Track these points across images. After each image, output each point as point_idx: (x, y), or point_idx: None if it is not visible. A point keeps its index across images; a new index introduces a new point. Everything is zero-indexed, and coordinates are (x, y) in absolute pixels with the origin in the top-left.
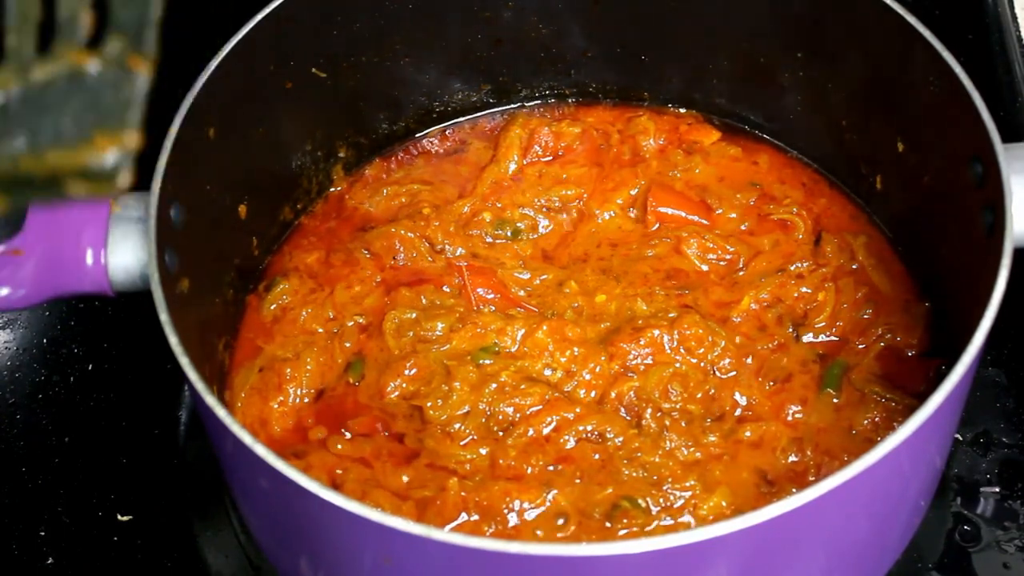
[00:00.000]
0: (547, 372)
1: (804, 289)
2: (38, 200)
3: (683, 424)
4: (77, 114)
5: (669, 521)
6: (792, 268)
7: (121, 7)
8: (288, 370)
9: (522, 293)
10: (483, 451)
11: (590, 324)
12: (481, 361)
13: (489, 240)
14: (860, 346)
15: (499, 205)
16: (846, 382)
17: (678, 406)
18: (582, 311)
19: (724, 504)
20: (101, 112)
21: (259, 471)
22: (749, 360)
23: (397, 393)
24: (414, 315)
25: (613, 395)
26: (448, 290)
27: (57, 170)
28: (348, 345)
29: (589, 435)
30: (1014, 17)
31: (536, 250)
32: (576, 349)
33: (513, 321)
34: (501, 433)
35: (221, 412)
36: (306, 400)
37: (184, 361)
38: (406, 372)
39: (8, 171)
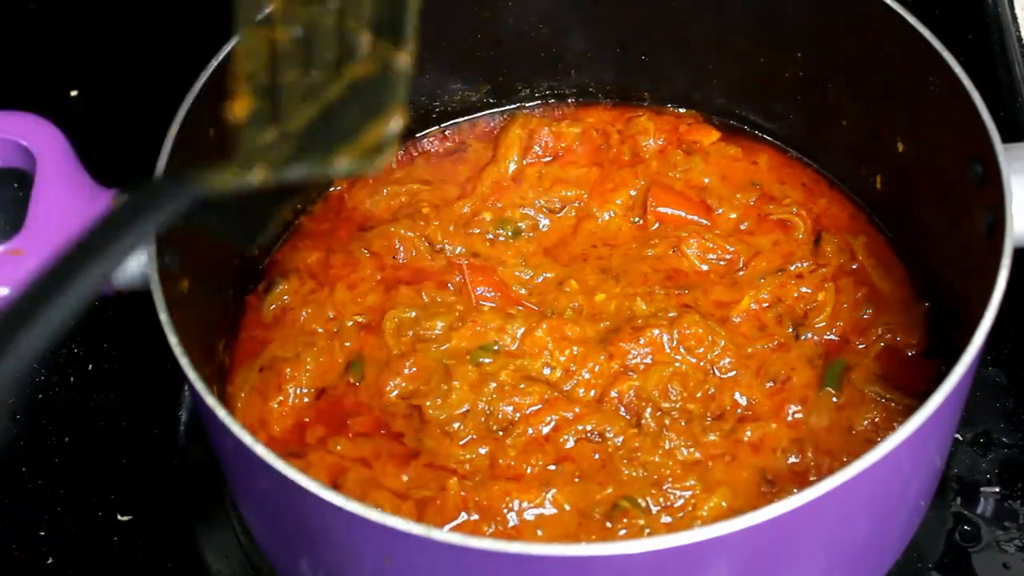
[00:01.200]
0: (546, 371)
1: (804, 289)
2: (308, 174)
3: (683, 424)
4: (355, 115)
5: (669, 521)
6: (792, 268)
7: (385, 11)
8: (288, 370)
9: (523, 291)
10: (483, 450)
11: (590, 323)
12: (480, 360)
13: (490, 237)
14: (860, 346)
15: (499, 205)
16: (846, 382)
17: (678, 406)
18: (582, 310)
19: (724, 504)
20: (373, 107)
21: (259, 471)
22: (749, 360)
23: (396, 392)
24: (413, 314)
25: (613, 394)
26: (449, 288)
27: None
28: (348, 345)
29: (589, 435)
30: (1014, 17)
31: (537, 249)
32: (575, 348)
33: (513, 320)
34: (501, 433)
35: (221, 412)
36: (306, 400)
37: (184, 361)
38: (405, 371)
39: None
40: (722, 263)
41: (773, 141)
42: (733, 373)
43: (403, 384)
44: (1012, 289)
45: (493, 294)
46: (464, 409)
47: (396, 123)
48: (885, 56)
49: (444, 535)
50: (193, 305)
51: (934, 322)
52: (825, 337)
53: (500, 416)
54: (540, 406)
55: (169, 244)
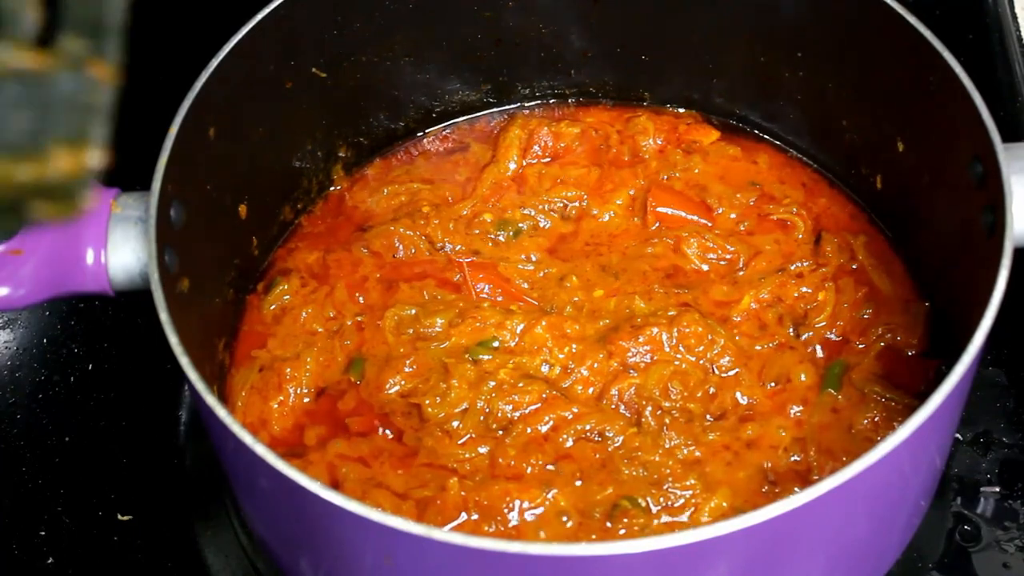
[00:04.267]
0: (544, 368)
1: (804, 289)
2: None
3: (683, 423)
4: (30, 121)
5: (669, 520)
6: (792, 268)
7: (76, 3)
8: (288, 370)
9: (525, 285)
10: (482, 450)
11: (589, 321)
12: (479, 356)
13: (491, 237)
14: (860, 346)
15: (499, 206)
16: (846, 382)
17: (678, 404)
18: (582, 307)
19: (724, 504)
20: (58, 121)
21: (259, 471)
22: (749, 359)
23: (396, 390)
24: (414, 311)
25: (613, 392)
26: (451, 283)
27: (4, 183)
28: (348, 344)
29: (588, 434)
30: (1014, 17)
31: (537, 248)
32: (574, 346)
33: (512, 316)
34: (500, 432)
35: (221, 412)
36: (306, 399)
37: (184, 361)
38: (405, 369)
39: None
40: (722, 263)
41: (773, 141)
42: (733, 372)
43: (402, 382)
44: (1012, 289)
45: (493, 290)
46: (463, 408)
47: (93, 157)
48: (885, 56)
49: (444, 535)
50: (193, 305)
51: (934, 322)
52: (825, 337)
53: (499, 415)
54: (539, 405)
55: (169, 244)
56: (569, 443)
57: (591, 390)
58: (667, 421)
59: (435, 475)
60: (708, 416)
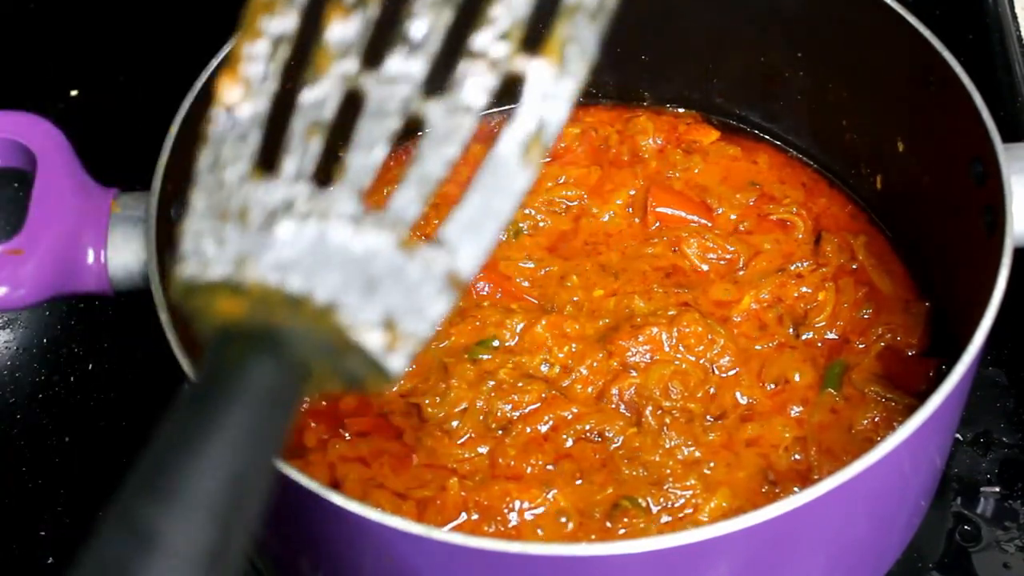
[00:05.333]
0: (544, 368)
1: (804, 289)
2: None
3: (683, 423)
4: (382, 292)
5: (669, 520)
6: (792, 268)
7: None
8: None
9: (526, 284)
10: (482, 450)
11: (589, 320)
12: (479, 356)
13: None
14: (860, 346)
15: None
16: (846, 382)
17: (678, 404)
18: (582, 306)
19: (725, 504)
20: (403, 307)
21: None
22: (749, 359)
23: (395, 389)
24: None
25: (613, 392)
26: None
27: (330, 335)
28: None
29: (588, 434)
30: (1014, 17)
31: (537, 247)
32: (574, 345)
33: (512, 315)
34: (500, 432)
35: None
36: (306, 400)
37: (184, 361)
38: None
39: (287, 314)
40: (722, 263)
41: (773, 141)
42: (733, 372)
43: (402, 382)
44: (1012, 289)
45: (493, 289)
46: (462, 407)
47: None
48: (885, 56)
49: (444, 535)
50: None
51: (934, 322)
52: (825, 337)
53: (499, 414)
54: (539, 404)
55: (169, 244)
56: (569, 443)
57: (591, 390)
58: (667, 421)
59: (435, 475)
60: (708, 416)
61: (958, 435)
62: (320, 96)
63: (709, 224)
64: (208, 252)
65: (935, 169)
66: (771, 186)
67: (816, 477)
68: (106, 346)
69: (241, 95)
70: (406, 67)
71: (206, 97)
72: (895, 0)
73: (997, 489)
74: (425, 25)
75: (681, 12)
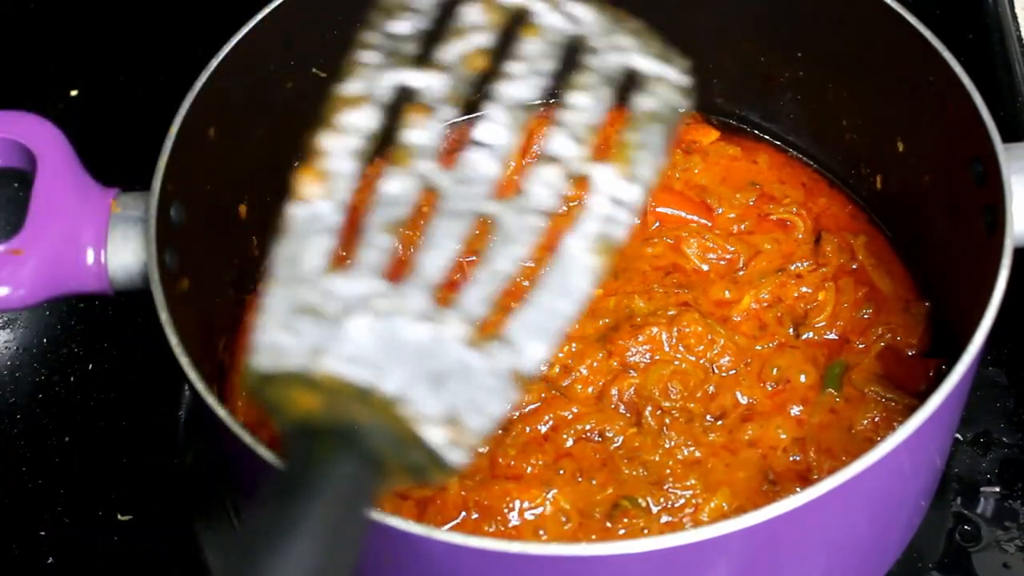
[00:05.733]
0: (543, 367)
1: (804, 289)
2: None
3: (683, 423)
4: (448, 390)
5: (669, 520)
6: (792, 268)
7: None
8: None
9: (526, 283)
10: (482, 449)
11: (589, 320)
12: None
13: (492, 235)
14: (860, 346)
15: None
16: (846, 382)
17: (678, 404)
18: None
19: (724, 504)
20: (467, 402)
21: (259, 471)
22: (749, 359)
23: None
24: None
25: (613, 392)
26: (449, 283)
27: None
28: None
29: (588, 434)
30: (1014, 17)
31: (537, 247)
32: (574, 345)
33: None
34: (500, 432)
35: (221, 412)
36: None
37: (184, 361)
38: None
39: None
40: (722, 263)
41: (773, 141)
42: (733, 372)
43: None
44: (1012, 289)
45: None
46: None
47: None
48: (885, 56)
49: (444, 535)
50: (193, 305)
51: (934, 322)
52: (825, 337)
53: None
54: (538, 404)
55: (169, 244)
56: (569, 443)
57: (591, 389)
58: (667, 421)
59: None
60: (708, 416)
61: (958, 435)
62: (397, 192)
63: (709, 224)
64: (283, 343)
65: (935, 169)
66: (771, 186)
67: (816, 477)
68: (106, 346)
69: (321, 191)
70: (483, 168)
71: (206, 97)
72: (895, 0)
73: (997, 489)
74: (501, 129)
75: (681, 12)
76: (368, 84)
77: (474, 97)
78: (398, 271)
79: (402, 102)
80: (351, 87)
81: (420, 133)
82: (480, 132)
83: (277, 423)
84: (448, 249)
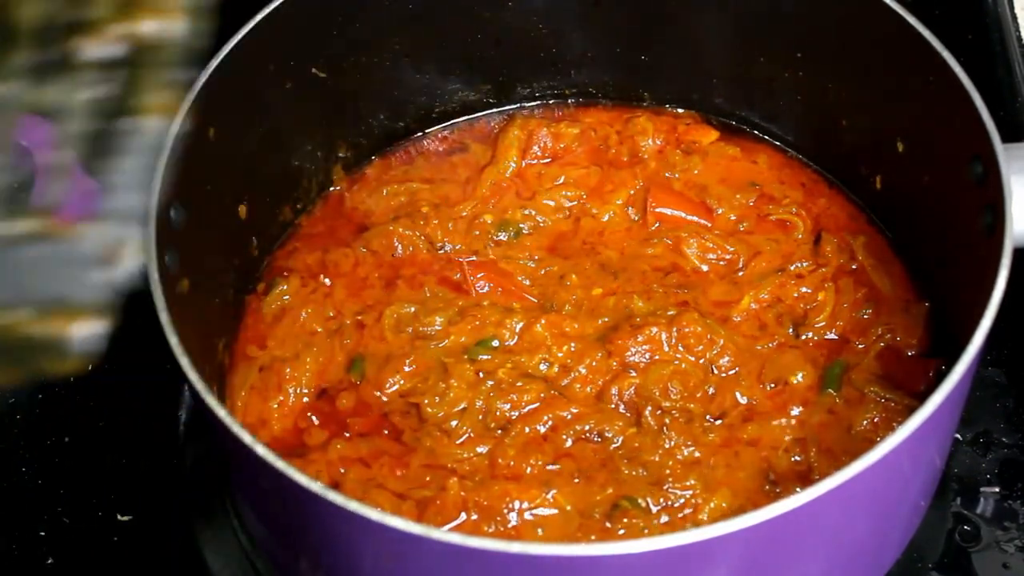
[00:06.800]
0: (543, 367)
1: (804, 289)
2: None
3: (683, 423)
4: (43, 280)
5: (669, 520)
6: (792, 268)
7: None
8: (288, 370)
9: (526, 282)
10: (481, 450)
11: (588, 320)
12: (479, 356)
13: (492, 236)
14: (860, 346)
15: (499, 207)
16: (846, 382)
17: (678, 404)
18: (581, 305)
19: (725, 504)
20: (70, 288)
21: (259, 471)
22: (749, 359)
23: (395, 388)
24: (413, 309)
25: (613, 392)
26: (449, 282)
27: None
28: (348, 343)
29: (588, 434)
30: (1014, 17)
31: (537, 247)
32: (573, 344)
33: (512, 314)
34: (499, 432)
35: (221, 412)
36: (306, 399)
37: (184, 361)
38: (405, 369)
39: None
40: (722, 263)
41: (773, 141)
42: (733, 372)
43: (401, 382)
44: (1012, 289)
45: (492, 288)
46: (462, 407)
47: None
48: (885, 56)
49: (444, 535)
50: (193, 305)
51: (934, 322)
52: (825, 337)
53: (498, 414)
54: (538, 404)
55: (169, 244)
56: (569, 443)
57: (590, 389)
58: (667, 421)
59: (435, 475)
60: (708, 416)
61: (958, 435)
62: None
63: (709, 224)
64: None
65: (935, 169)
66: (771, 186)
67: (816, 477)
68: (106, 346)
69: None
70: None
71: (206, 97)
72: (895, 0)
73: (997, 489)
74: None
75: (681, 13)
76: None
77: (478, 96)
78: None
79: None
80: None
81: None
82: None
83: None
84: None
